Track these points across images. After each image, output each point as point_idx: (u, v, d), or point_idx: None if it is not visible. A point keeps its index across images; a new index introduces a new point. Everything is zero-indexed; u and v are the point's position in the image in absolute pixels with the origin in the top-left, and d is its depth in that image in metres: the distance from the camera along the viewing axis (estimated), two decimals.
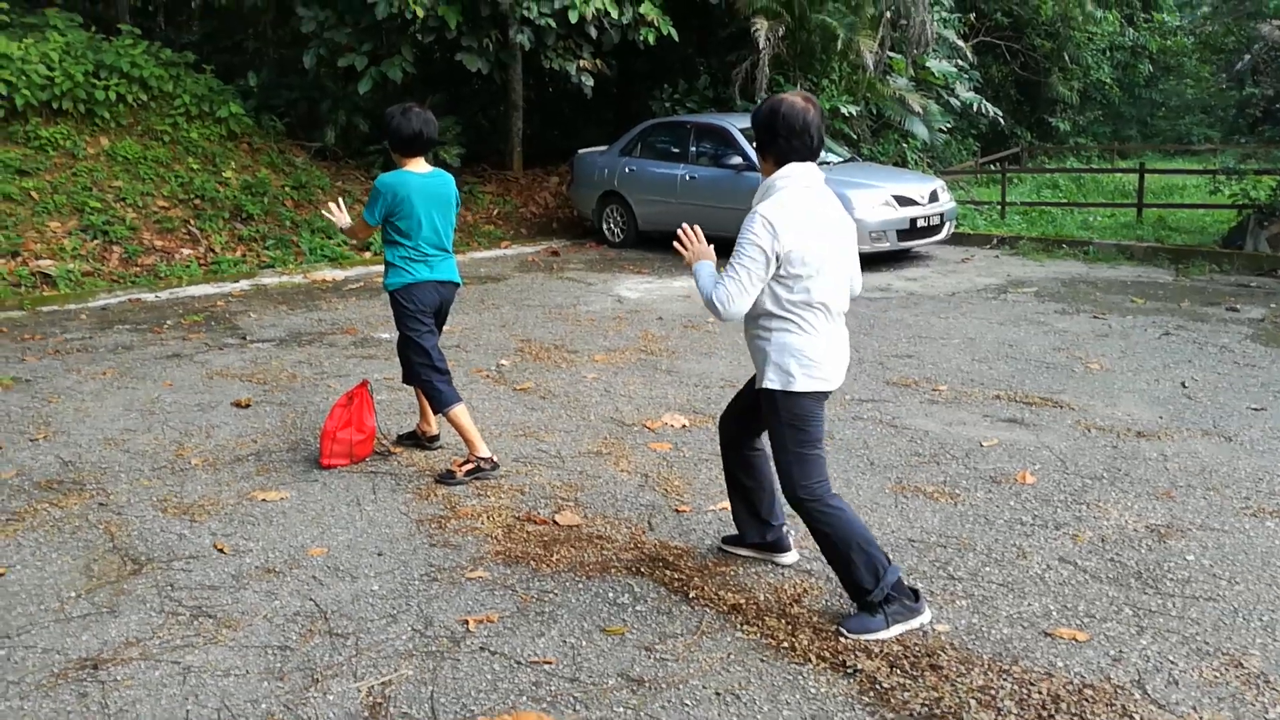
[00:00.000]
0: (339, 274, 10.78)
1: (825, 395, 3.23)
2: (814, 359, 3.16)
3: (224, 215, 11.51)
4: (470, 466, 4.64)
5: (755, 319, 3.24)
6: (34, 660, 3.18)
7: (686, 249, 3.36)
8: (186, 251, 10.89)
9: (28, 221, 10.18)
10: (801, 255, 3.09)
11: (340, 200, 5.00)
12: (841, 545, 3.17)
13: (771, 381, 3.19)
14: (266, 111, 13.21)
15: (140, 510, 4.38)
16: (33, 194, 10.42)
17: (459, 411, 4.66)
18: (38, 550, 3.99)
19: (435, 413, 4.83)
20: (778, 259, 3.09)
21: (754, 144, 3.32)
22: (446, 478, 4.63)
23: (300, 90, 13.77)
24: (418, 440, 5.17)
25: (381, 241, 4.77)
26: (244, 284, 10.19)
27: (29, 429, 5.53)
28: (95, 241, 10.39)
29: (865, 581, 3.17)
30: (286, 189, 12.42)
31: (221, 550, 3.96)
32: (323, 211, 4.98)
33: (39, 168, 10.73)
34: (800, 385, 3.15)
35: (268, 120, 13.10)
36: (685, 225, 3.43)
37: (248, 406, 5.90)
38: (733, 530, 3.83)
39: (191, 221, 11.25)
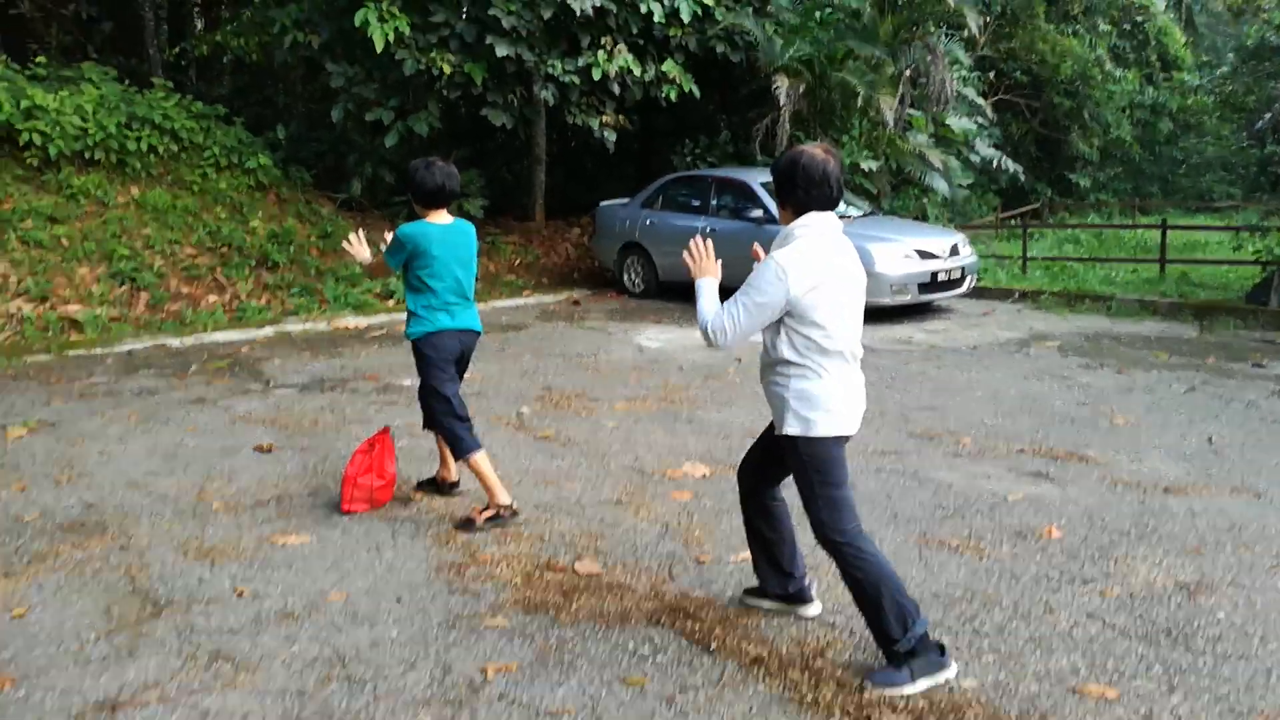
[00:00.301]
0: (362, 321, 10.86)
1: (845, 439, 3.23)
2: (832, 404, 3.16)
3: (250, 263, 11.65)
4: (490, 514, 4.63)
5: (773, 366, 3.24)
6: (52, 701, 3.17)
7: (695, 261, 3.39)
8: (213, 298, 11.01)
9: (57, 268, 10.33)
10: (815, 302, 3.11)
11: (360, 233, 5.02)
12: (872, 591, 3.14)
13: (792, 427, 3.18)
14: (294, 163, 13.43)
15: (161, 553, 4.39)
16: (63, 241, 10.59)
17: (480, 458, 4.66)
18: (59, 591, 3.99)
19: (456, 459, 4.84)
20: (788, 305, 3.11)
21: (774, 194, 3.33)
22: (466, 525, 4.62)
23: (327, 143, 14.01)
24: (438, 487, 5.17)
25: (404, 290, 4.82)
26: (268, 330, 10.29)
27: (53, 471, 5.57)
28: (123, 288, 10.53)
29: (893, 631, 3.12)
30: (312, 238, 12.57)
31: (241, 594, 3.95)
32: (344, 243, 5.00)
33: (70, 215, 10.92)
34: (820, 430, 3.15)
35: (295, 172, 13.31)
36: (698, 237, 3.46)
37: (270, 451, 5.92)
38: (753, 582, 3.80)
39: (218, 269, 11.39)
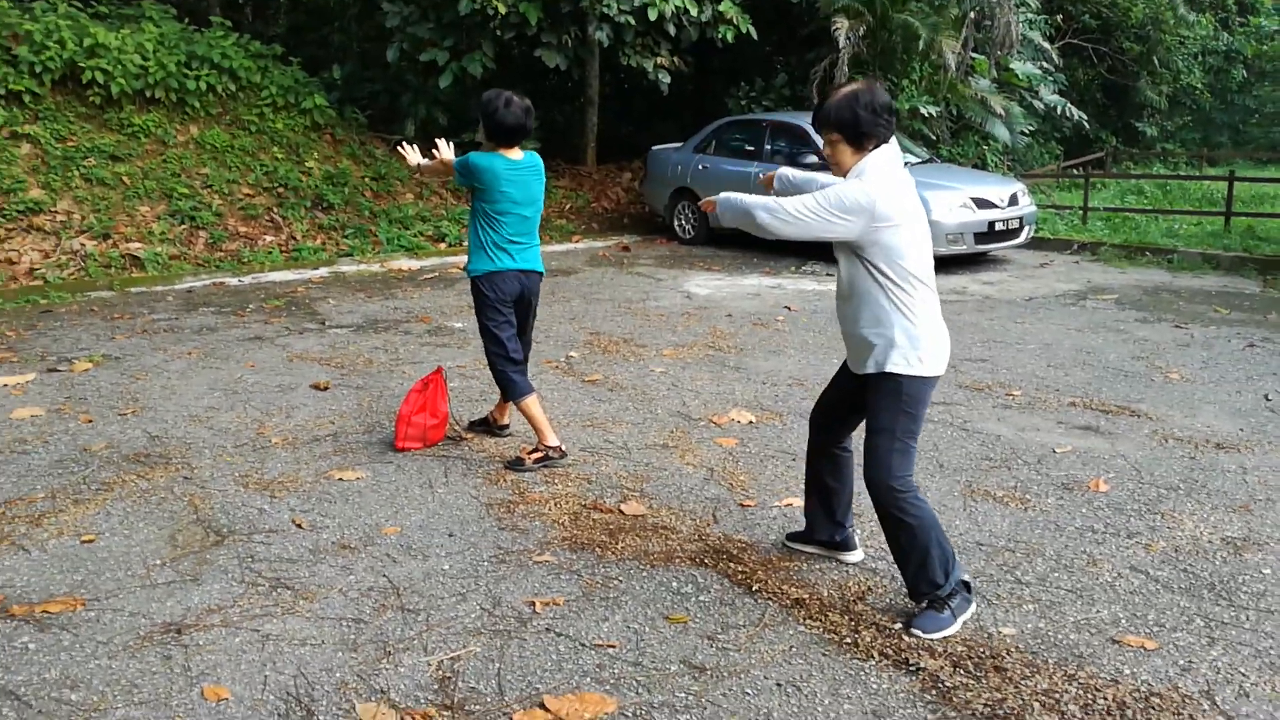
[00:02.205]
0: (415, 264, 10.98)
1: (936, 381, 3.24)
2: (934, 344, 3.18)
3: (306, 204, 11.81)
4: (539, 455, 4.72)
5: (872, 303, 3.17)
6: (121, 623, 3.33)
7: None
8: (269, 238, 11.19)
9: (119, 205, 10.56)
10: (906, 239, 3.10)
11: (413, 146, 4.98)
12: (923, 537, 3.16)
13: (898, 365, 3.14)
14: (349, 104, 13.51)
15: (223, 485, 4.54)
16: (124, 179, 10.81)
17: (531, 402, 4.73)
18: (125, 519, 4.16)
19: (505, 402, 4.91)
20: (867, 236, 3.06)
21: (832, 134, 3.18)
22: (516, 465, 4.72)
23: (382, 83, 14.05)
24: (489, 427, 5.26)
25: (469, 222, 4.75)
26: (323, 271, 10.46)
27: (118, 404, 5.76)
28: (182, 226, 10.75)
29: (938, 576, 3.17)
30: (366, 180, 12.70)
31: (300, 526, 4.09)
32: (399, 149, 5.00)
33: (131, 154, 11.13)
34: (925, 369, 3.16)
35: (350, 112, 13.39)
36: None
37: (326, 389, 6.07)
38: (797, 527, 3.85)
39: (274, 209, 11.57)
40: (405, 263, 11.02)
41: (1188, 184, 17.69)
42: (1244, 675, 2.93)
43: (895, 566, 3.57)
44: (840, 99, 3.16)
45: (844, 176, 3.20)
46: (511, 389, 4.75)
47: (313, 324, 7.94)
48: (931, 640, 3.13)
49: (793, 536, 3.84)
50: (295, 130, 12.58)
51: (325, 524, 4.12)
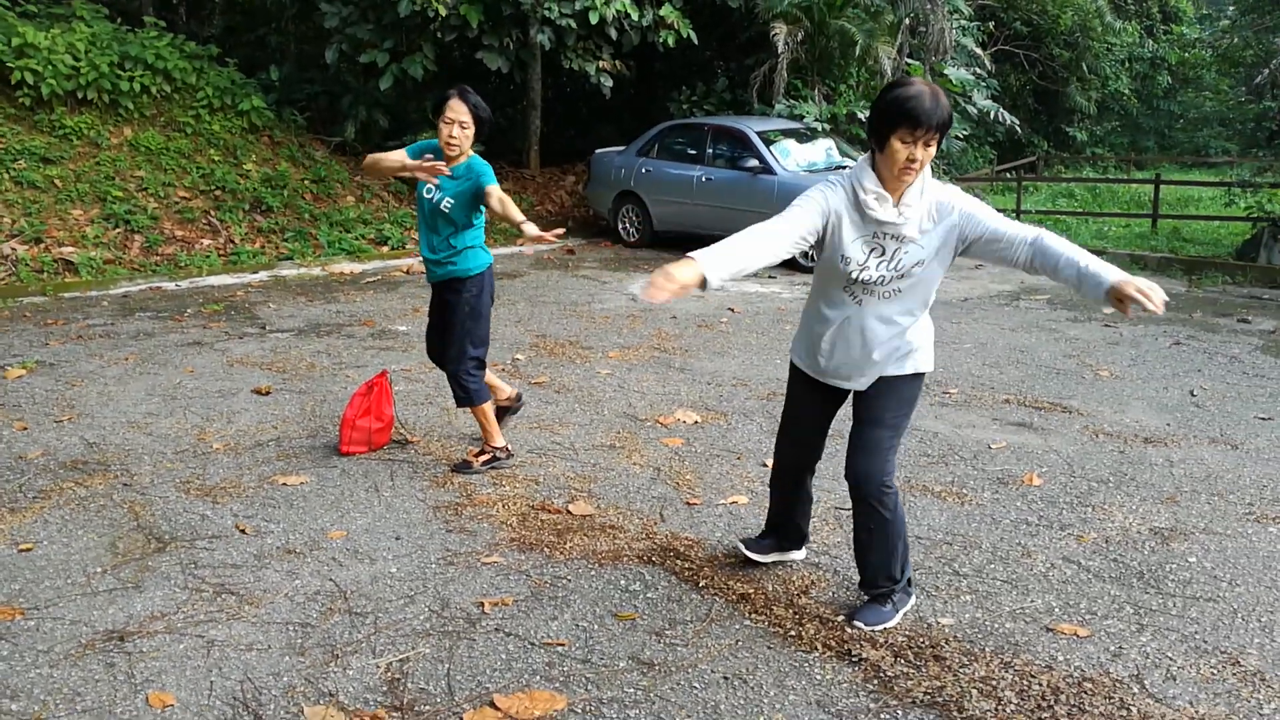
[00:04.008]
0: (356, 267, 10.89)
1: None
2: None
3: (244, 207, 11.63)
4: (486, 457, 4.73)
5: (908, 311, 3.08)
6: (62, 631, 3.27)
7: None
8: (206, 242, 11.01)
9: (51, 209, 10.31)
10: None
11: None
12: (893, 533, 3.21)
13: (924, 365, 3.19)
14: (287, 105, 13.33)
15: (163, 491, 4.48)
16: (56, 182, 10.56)
17: (488, 407, 4.73)
18: (64, 527, 4.09)
19: (461, 406, 4.74)
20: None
21: (939, 136, 2.87)
22: (463, 467, 4.72)
23: (321, 85, 13.90)
24: (511, 409, 5.16)
25: (458, 226, 4.52)
26: (263, 275, 10.32)
27: (53, 411, 5.64)
28: (117, 230, 10.52)
29: (896, 571, 3.26)
30: (306, 182, 12.54)
31: (243, 531, 4.06)
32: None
33: (63, 156, 10.88)
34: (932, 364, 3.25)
35: (288, 114, 13.22)
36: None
37: (268, 394, 6.00)
38: (743, 525, 3.91)
39: (212, 212, 11.38)
40: (347, 266, 10.92)
41: (1116, 187, 18.23)
42: (1171, 659, 3.06)
43: (838, 561, 3.66)
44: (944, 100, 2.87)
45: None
46: (480, 394, 4.66)
47: (253, 329, 7.84)
48: (873, 632, 3.21)
49: (755, 547, 3.68)
50: (232, 132, 12.39)
51: (270, 529, 4.09)
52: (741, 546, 3.69)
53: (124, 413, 5.62)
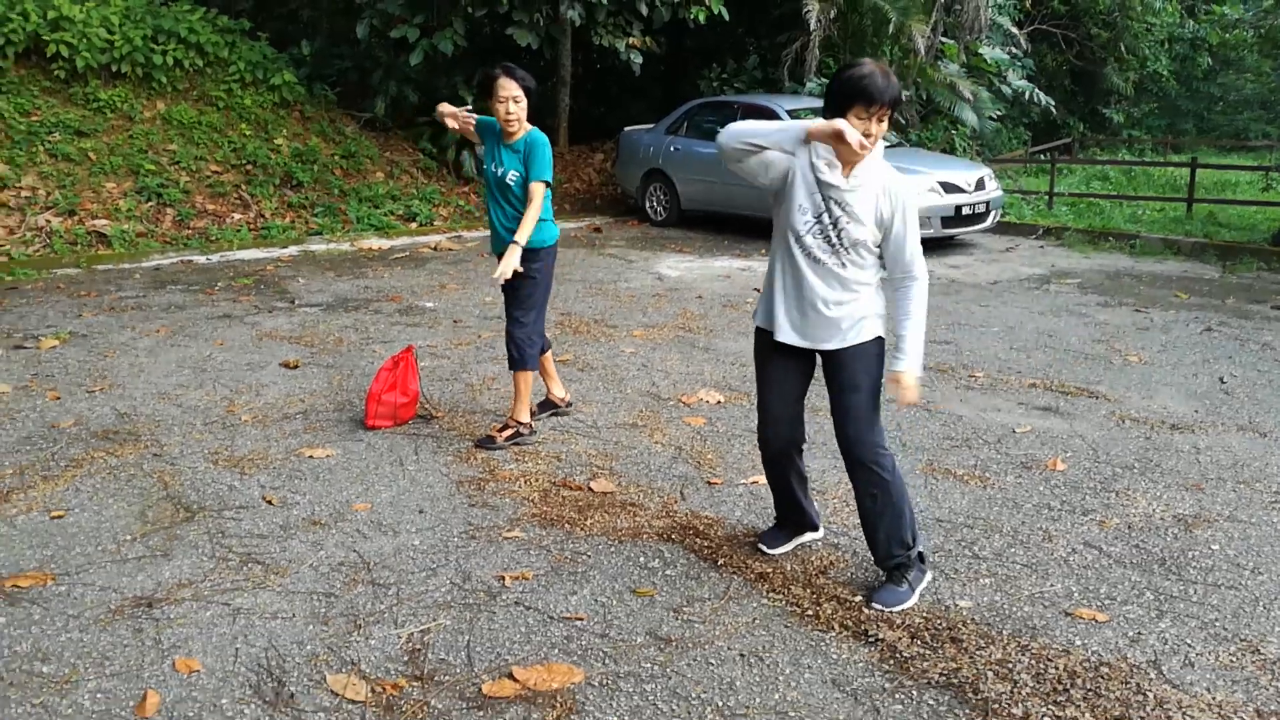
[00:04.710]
0: (385, 243, 10.96)
1: None
2: None
3: (274, 182, 11.72)
4: (509, 432, 4.77)
5: (857, 284, 3.23)
6: (92, 597, 3.35)
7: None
8: (237, 216, 11.12)
9: (84, 181, 10.44)
10: None
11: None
12: (897, 494, 3.26)
13: (880, 330, 3.31)
14: (318, 80, 13.40)
15: (192, 461, 4.56)
16: (90, 155, 10.69)
17: (530, 376, 4.80)
18: (95, 495, 4.17)
19: (513, 368, 4.79)
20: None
21: (890, 112, 3.11)
22: (487, 443, 4.76)
23: (352, 60, 13.94)
24: (555, 408, 5.20)
25: (541, 199, 4.63)
26: (292, 250, 10.41)
27: (86, 381, 5.74)
28: (149, 203, 10.64)
29: (908, 535, 3.29)
30: (336, 158, 12.62)
31: (270, 502, 4.12)
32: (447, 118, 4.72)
33: (97, 129, 11.00)
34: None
35: (319, 89, 13.28)
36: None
37: (296, 367, 6.07)
38: (764, 504, 3.92)
39: (243, 187, 11.47)
40: (375, 242, 10.99)
41: (1152, 170, 17.94)
42: (1190, 646, 3.05)
43: (857, 542, 3.67)
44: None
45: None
46: (531, 360, 4.77)
47: (282, 303, 7.92)
48: (892, 614, 3.22)
49: (770, 541, 3.69)
50: (263, 107, 12.47)
51: (296, 500, 4.15)
52: (762, 546, 3.67)
53: (155, 384, 5.71)
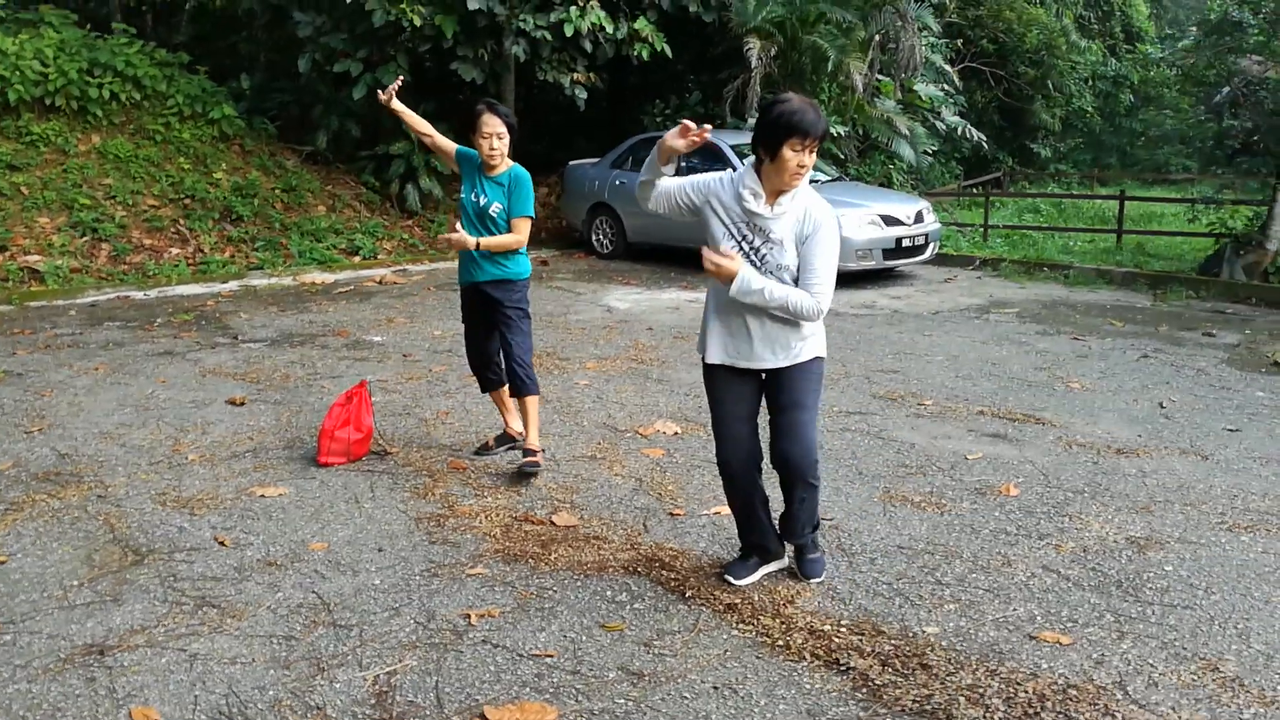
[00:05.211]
0: (328, 277, 10.82)
1: None
2: None
3: (214, 216, 11.54)
4: (534, 459, 4.73)
5: None
6: (40, 645, 3.22)
7: (720, 267, 3.25)
8: (175, 251, 10.90)
9: (16, 216, 10.18)
10: None
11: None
12: (817, 497, 3.60)
13: (821, 349, 3.49)
14: (258, 114, 13.26)
15: (139, 503, 4.43)
16: (23, 189, 10.43)
17: (537, 399, 4.88)
18: (38, 540, 4.02)
19: (523, 395, 4.81)
20: None
21: (820, 146, 3.31)
22: (528, 473, 4.70)
23: (292, 94, 13.84)
24: (513, 441, 5.12)
25: (505, 234, 4.74)
26: (233, 285, 10.23)
27: (23, 421, 5.56)
28: (84, 238, 10.40)
29: (814, 518, 3.68)
30: (277, 191, 12.47)
31: (222, 543, 4.01)
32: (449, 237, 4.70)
33: (30, 163, 10.75)
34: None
35: (259, 123, 13.15)
36: (716, 251, 3.31)
37: (242, 404, 5.95)
38: (727, 535, 3.92)
39: (181, 221, 11.27)
40: (318, 276, 10.85)
41: (1080, 203, 18.50)
42: (1153, 666, 3.10)
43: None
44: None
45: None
46: (537, 384, 4.87)
47: (225, 338, 7.76)
48: (824, 582, 3.64)
49: (737, 573, 3.66)
50: (202, 140, 12.29)
51: (250, 541, 4.05)
52: (728, 578, 3.65)
53: (95, 423, 5.55)
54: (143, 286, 9.91)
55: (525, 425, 4.88)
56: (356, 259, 11.86)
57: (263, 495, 4.53)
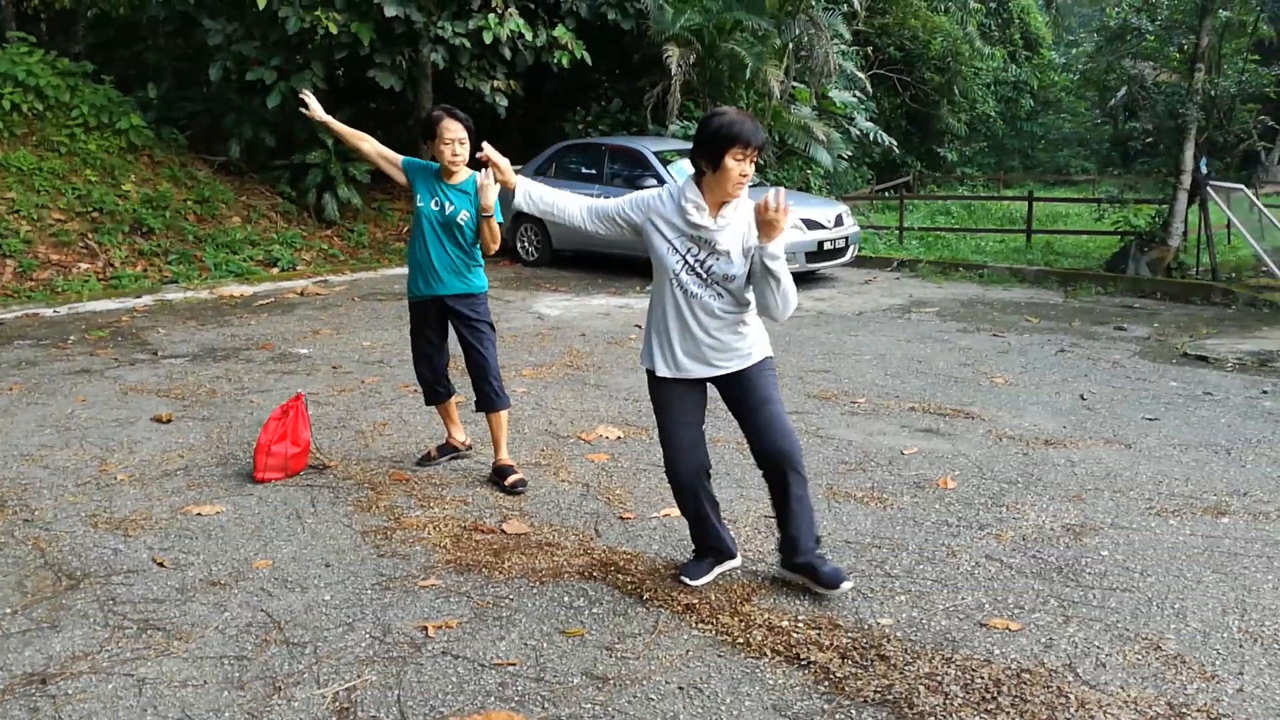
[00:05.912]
0: (247, 289, 10.56)
1: None
2: None
3: (124, 229, 11.17)
4: (516, 478, 4.68)
5: (739, 310, 3.44)
6: None
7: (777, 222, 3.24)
8: (84, 266, 10.53)
9: None
10: None
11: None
12: (809, 493, 3.55)
13: (769, 349, 3.56)
14: (167, 124, 12.88)
15: (69, 525, 4.26)
16: None
17: (506, 413, 4.82)
18: None
19: (497, 410, 4.76)
20: None
21: (758, 155, 3.38)
22: (517, 487, 4.64)
23: (202, 103, 13.48)
24: (456, 451, 5.08)
25: (471, 241, 4.67)
26: (147, 299, 9.91)
27: None
28: None
29: (816, 530, 3.61)
30: (189, 203, 12.12)
31: (161, 564, 3.89)
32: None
33: None
34: None
35: (168, 133, 12.77)
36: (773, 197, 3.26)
37: (169, 422, 5.77)
38: (679, 538, 3.94)
39: (89, 235, 10.89)
40: (236, 289, 10.58)
41: (989, 204, 19.09)
42: (1099, 648, 3.22)
43: (775, 568, 3.72)
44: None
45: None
46: (504, 399, 4.79)
47: (144, 354, 7.52)
48: (853, 585, 3.58)
49: (692, 574, 3.68)
50: (110, 152, 11.89)
51: (190, 561, 3.93)
52: (684, 579, 3.67)
53: (15, 445, 5.33)
54: (52, 303, 9.54)
55: (496, 440, 4.80)
56: (275, 270, 11.60)
57: (199, 514, 4.40)
